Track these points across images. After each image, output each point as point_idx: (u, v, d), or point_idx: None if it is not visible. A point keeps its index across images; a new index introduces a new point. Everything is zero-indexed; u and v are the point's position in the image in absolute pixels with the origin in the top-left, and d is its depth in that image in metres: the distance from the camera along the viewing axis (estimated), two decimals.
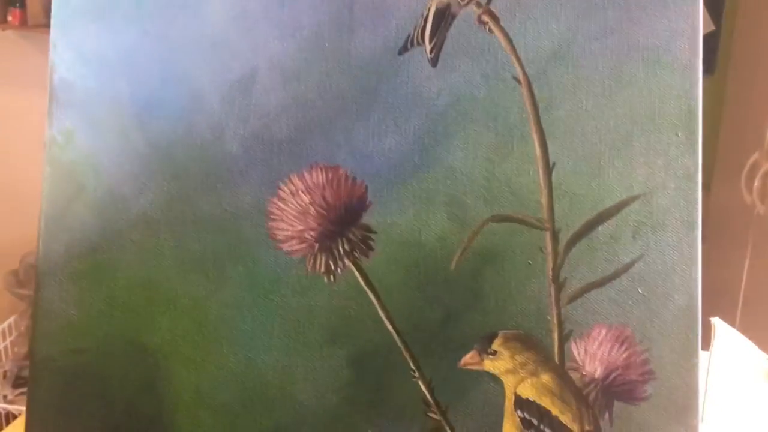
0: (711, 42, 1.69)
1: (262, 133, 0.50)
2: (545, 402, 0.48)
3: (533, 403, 0.48)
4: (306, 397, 0.50)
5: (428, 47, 0.48)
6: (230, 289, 0.50)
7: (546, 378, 0.48)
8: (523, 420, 0.48)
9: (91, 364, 0.52)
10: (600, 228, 0.49)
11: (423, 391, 0.50)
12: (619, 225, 0.49)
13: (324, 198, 0.49)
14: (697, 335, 0.49)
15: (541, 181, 0.48)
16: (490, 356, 0.49)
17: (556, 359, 0.49)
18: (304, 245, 0.49)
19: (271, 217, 0.49)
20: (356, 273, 0.49)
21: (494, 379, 0.49)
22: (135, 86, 0.50)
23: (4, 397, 1.66)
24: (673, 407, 0.49)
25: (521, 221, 0.49)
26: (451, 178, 0.49)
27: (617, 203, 0.48)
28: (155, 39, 0.50)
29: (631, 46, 0.48)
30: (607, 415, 0.49)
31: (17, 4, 1.95)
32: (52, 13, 0.51)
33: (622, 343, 0.49)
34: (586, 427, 0.48)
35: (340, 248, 0.49)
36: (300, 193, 0.49)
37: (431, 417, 0.50)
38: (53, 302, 0.52)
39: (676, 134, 0.48)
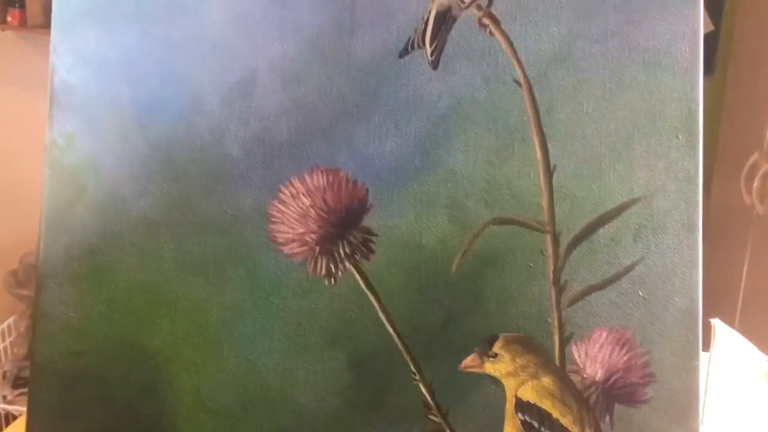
0: (710, 42, 1.69)
1: (263, 136, 0.50)
2: (546, 405, 0.48)
3: (534, 405, 0.48)
4: (306, 400, 0.50)
5: (429, 50, 0.48)
6: (231, 291, 0.50)
7: (547, 381, 0.48)
8: (524, 423, 0.48)
9: (91, 366, 0.52)
10: (601, 231, 0.49)
11: (424, 394, 0.50)
12: (620, 228, 0.49)
13: (325, 201, 0.49)
14: (697, 338, 0.49)
15: (542, 184, 0.48)
16: (491, 359, 0.49)
17: (557, 362, 0.49)
18: (304, 248, 0.49)
19: (272, 219, 0.49)
20: (357, 276, 0.49)
21: (495, 381, 0.49)
22: (135, 88, 0.50)
23: (4, 397, 1.66)
24: (674, 410, 0.49)
25: (522, 224, 0.49)
26: (451, 180, 0.49)
27: (618, 206, 0.48)
28: (155, 41, 0.50)
29: (632, 49, 0.48)
30: (607, 418, 0.49)
31: (16, 5, 1.95)
32: (53, 16, 0.51)
33: (622, 346, 0.49)
34: (587, 430, 0.48)
35: (341, 251, 0.49)
36: (301, 195, 0.49)
37: (432, 420, 0.50)
38: (53, 304, 0.52)
39: (677, 137, 0.48)
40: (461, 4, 0.48)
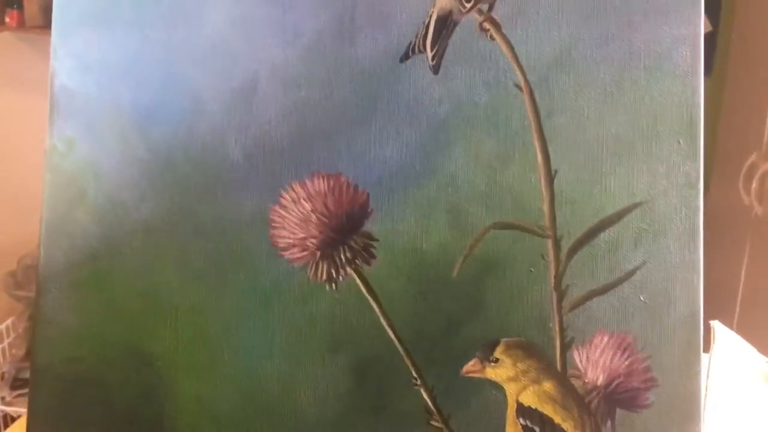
0: (709, 43, 1.69)
1: (263, 141, 0.49)
2: (547, 410, 0.48)
3: (535, 410, 0.48)
4: (307, 405, 0.50)
5: (430, 55, 0.48)
6: (231, 296, 0.50)
7: (548, 385, 0.48)
8: (525, 428, 0.48)
9: (91, 371, 0.52)
10: (602, 235, 0.49)
11: (425, 399, 0.50)
12: (621, 232, 0.49)
13: (325, 206, 0.49)
14: (699, 342, 0.49)
15: (543, 189, 0.48)
16: (492, 364, 0.49)
17: (558, 367, 0.49)
18: (305, 253, 0.49)
19: (273, 224, 0.49)
20: (358, 281, 0.49)
21: (496, 386, 0.49)
22: (136, 93, 0.50)
23: (2, 398, 1.66)
24: (676, 415, 0.49)
25: (523, 229, 0.49)
26: (452, 185, 0.49)
27: (619, 210, 0.48)
28: (156, 46, 0.50)
29: (633, 53, 0.48)
30: (609, 423, 0.49)
31: (15, 6, 1.94)
32: (53, 20, 0.51)
33: (624, 351, 0.49)
34: None
35: (342, 256, 0.49)
36: (301, 200, 0.49)
37: (433, 425, 0.50)
38: (54, 309, 0.52)
39: (678, 141, 0.48)
40: (462, 9, 0.48)
